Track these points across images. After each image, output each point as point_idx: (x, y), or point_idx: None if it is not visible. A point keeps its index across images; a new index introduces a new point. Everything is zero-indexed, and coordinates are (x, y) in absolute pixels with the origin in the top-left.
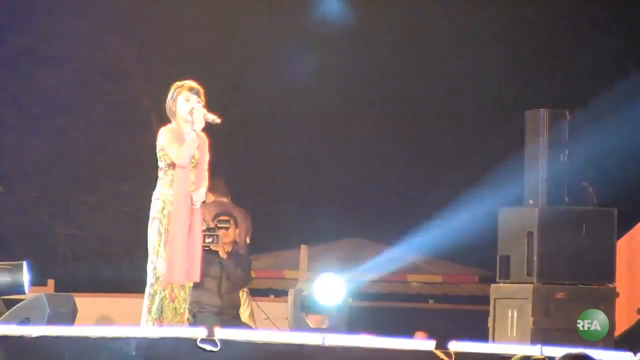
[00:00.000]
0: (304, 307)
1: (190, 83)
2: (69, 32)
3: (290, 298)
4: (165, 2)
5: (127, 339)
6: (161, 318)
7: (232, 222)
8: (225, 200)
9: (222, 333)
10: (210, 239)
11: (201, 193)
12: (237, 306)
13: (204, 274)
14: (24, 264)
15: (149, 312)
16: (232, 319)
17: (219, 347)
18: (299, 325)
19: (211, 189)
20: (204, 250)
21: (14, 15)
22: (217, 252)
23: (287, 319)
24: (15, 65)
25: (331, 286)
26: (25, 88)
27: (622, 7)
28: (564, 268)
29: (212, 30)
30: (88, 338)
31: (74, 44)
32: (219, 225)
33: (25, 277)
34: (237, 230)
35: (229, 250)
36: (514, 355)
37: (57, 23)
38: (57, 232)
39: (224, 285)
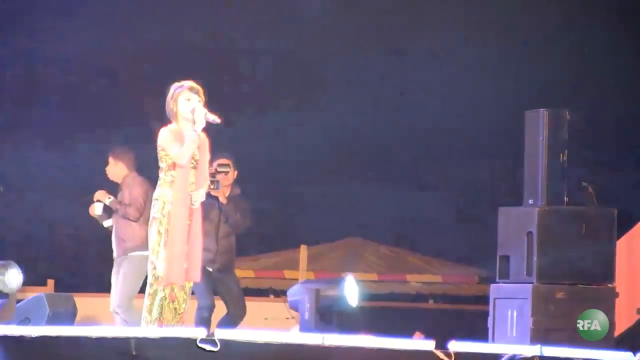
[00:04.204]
0: (324, 307)
1: (190, 83)
2: (69, 32)
3: (307, 298)
4: (165, 2)
5: (127, 339)
6: (161, 318)
7: (231, 164)
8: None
9: (222, 333)
10: (211, 185)
11: (201, 193)
12: (231, 252)
13: (203, 217)
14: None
15: (149, 312)
16: (225, 268)
17: (219, 347)
18: (317, 325)
19: (120, 158)
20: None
21: (14, 15)
22: (217, 197)
23: (287, 318)
24: (15, 65)
25: (355, 288)
26: (25, 88)
27: (622, 6)
28: (564, 268)
29: (212, 30)
30: (88, 338)
31: (74, 44)
32: (218, 170)
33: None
34: (235, 172)
35: (229, 194)
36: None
37: (57, 23)
38: (57, 232)
39: (222, 229)
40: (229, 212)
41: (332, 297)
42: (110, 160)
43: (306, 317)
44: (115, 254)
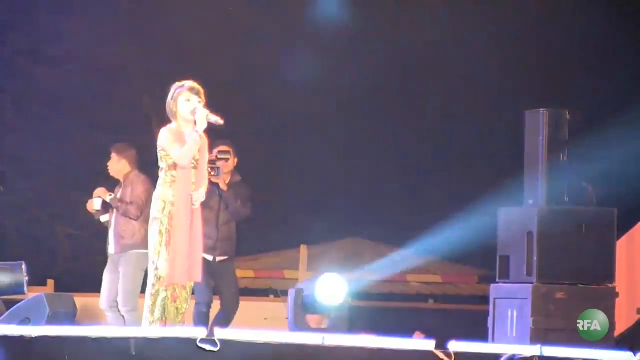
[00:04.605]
0: (305, 307)
1: (190, 83)
2: (69, 32)
3: (290, 298)
4: (165, 2)
5: (127, 339)
6: (164, 318)
7: (231, 151)
8: (130, 169)
9: (222, 333)
10: (212, 171)
11: (201, 193)
12: (232, 239)
13: (204, 205)
14: (23, 264)
15: (152, 312)
16: (225, 255)
17: (219, 347)
18: (299, 325)
19: (124, 154)
20: None
21: (14, 15)
22: (217, 184)
23: (287, 318)
24: (15, 65)
25: (333, 286)
26: (25, 88)
27: (623, 5)
28: (564, 268)
29: (212, 30)
30: (88, 338)
31: (74, 44)
32: (219, 157)
33: (24, 277)
34: (235, 160)
35: (229, 181)
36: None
37: (57, 23)
38: (57, 232)
39: (222, 216)
40: (229, 199)
41: (311, 297)
42: (113, 156)
43: (289, 316)
44: (112, 251)
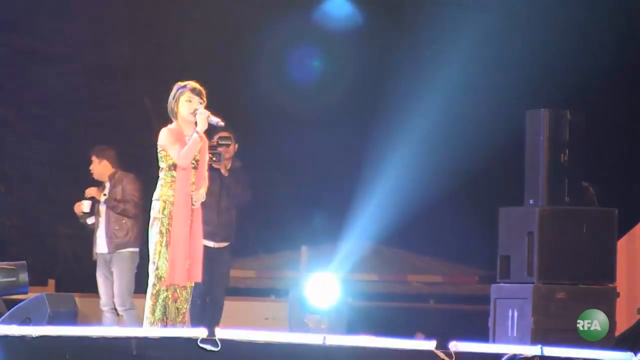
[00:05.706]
0: (303, 308)
1: (192, 84)
2: (69, 32)
3: (289, 299)
4: (165, 2)
5: (128, 338)
6: (164, 318)
7: (232, 137)
8: (113, 169)
9: (223, 333)
10: (213, 157)
11: (201, 193)
12: (231, 226)
13: None
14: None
15: (152, 312)
16: (224, 241)
17: (219, 347)
18: (298, 327)
19: (104, 155)
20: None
21: (14, 15)
22: (218, 169)
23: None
24: (15, 65)
25: (325, 287)
26: (25, 88)
27: (625, 5)
28: (564, 268)
29: (212, 30)
30: (88, 338)
31: (74, 44)
32: (220, 143)
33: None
34: (236, 146)
35: (229, 166)
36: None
37: (57, 23)
38: (57, 232)
39: (223, 201)
40: (230, 185)
41: (309, 298)
42: (94, 159)
43: (288, 317)
44: (104, 250)
